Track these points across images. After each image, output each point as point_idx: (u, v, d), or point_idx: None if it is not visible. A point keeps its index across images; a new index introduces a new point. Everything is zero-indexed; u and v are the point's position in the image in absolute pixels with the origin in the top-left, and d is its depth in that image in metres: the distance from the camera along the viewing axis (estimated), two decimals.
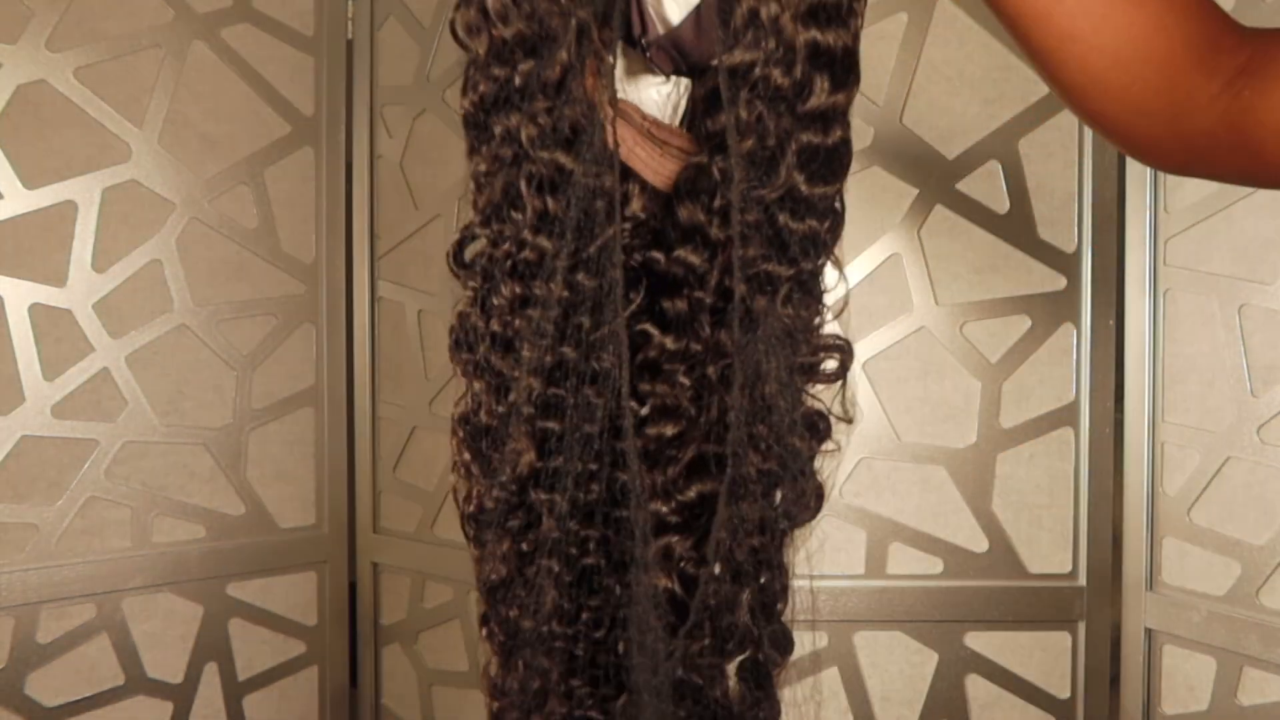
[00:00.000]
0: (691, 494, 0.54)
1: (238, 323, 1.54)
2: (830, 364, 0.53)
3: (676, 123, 0.54)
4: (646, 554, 0.52)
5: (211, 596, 1.53)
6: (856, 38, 0.49)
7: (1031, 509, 1.30)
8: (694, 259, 0.52)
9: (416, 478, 1.61)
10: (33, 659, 1.39)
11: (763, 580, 0.54)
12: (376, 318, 1.64)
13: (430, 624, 1.61)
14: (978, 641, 1.31)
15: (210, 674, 1.54)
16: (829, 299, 0.53)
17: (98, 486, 1.43)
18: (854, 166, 1.38)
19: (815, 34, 0.47)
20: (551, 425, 0.51)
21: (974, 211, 1.28)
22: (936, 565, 1.31)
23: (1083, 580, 1.29)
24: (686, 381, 0.53)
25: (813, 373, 0.53)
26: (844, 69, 0.48)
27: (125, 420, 1.44)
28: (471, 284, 0.54)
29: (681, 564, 0.54)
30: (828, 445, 0.55)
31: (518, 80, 0.49)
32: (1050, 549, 1.30)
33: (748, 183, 0.48)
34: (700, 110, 0.52)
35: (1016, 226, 1.27)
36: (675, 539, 0.54)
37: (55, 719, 1.41)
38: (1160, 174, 1.19)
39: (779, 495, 0.52)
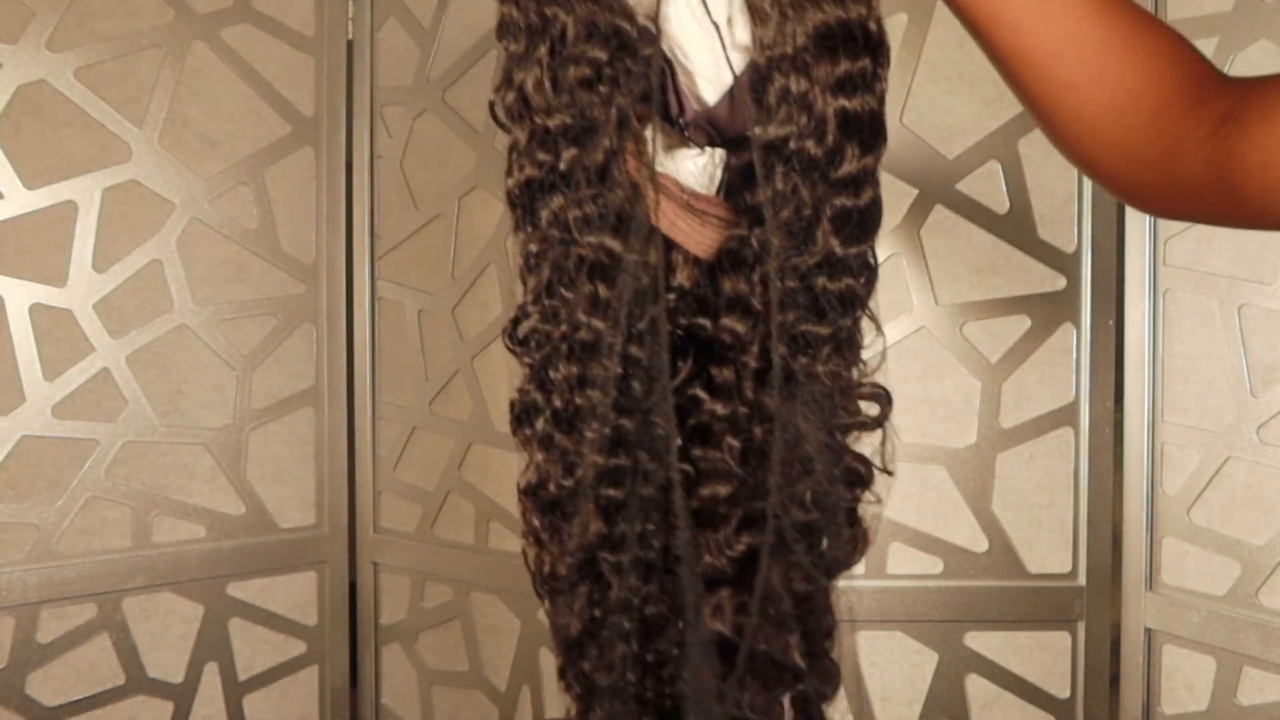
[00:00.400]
0: (742, 548, 0.56)
1: (238, 323, 1.54)
2: (871, 412, 0.56)
3: (714, 191, 0.55)
4: (697, 608, 0.54)
5: (212, 596, 1.53)
6: (882, 100, 0.50)
7: (1031, 509, 1.30)
8: (739, 327, 0.54)
9: (416, 478, 1.61)
10: (33, 659, 1.39)
11: (809, 623, 0.56)
12: (376, 318, 1.64)
13: (430, 624, 1.61)
14: (978, 641, 1.32)
15: (210, 674, 1.54)
16: (867, 351, 0.55)
17: (98, 486, 1.43)
18: None
19: (844, 103, 0.49)
20: (614, 493, 0.53)
21: (974, 211, 1.28)
22: (936, 565, 1.31)
23: (1082, 580, 1.29)
24: (735, 443, 0.55)
25: (853, 424, 0.56)
26: (872, 132, 0.50)
27: (125, 420, 1.44)
28: (528, 361, 0.55)
29: (735, 615, 0.57)
30: (869, 496, 0.57)
31: (562, 166, 0.51)
32: (1050, 549, 1.30)
33: (786, 252, 0.50)
34: (737, 182, 0.54)
35: (1016, 226, 1.27)
36: (728, 592, 0.57)
37: (56, 719, 1.41)
38: None
39: (824, 543, 0.54)
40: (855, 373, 0.55)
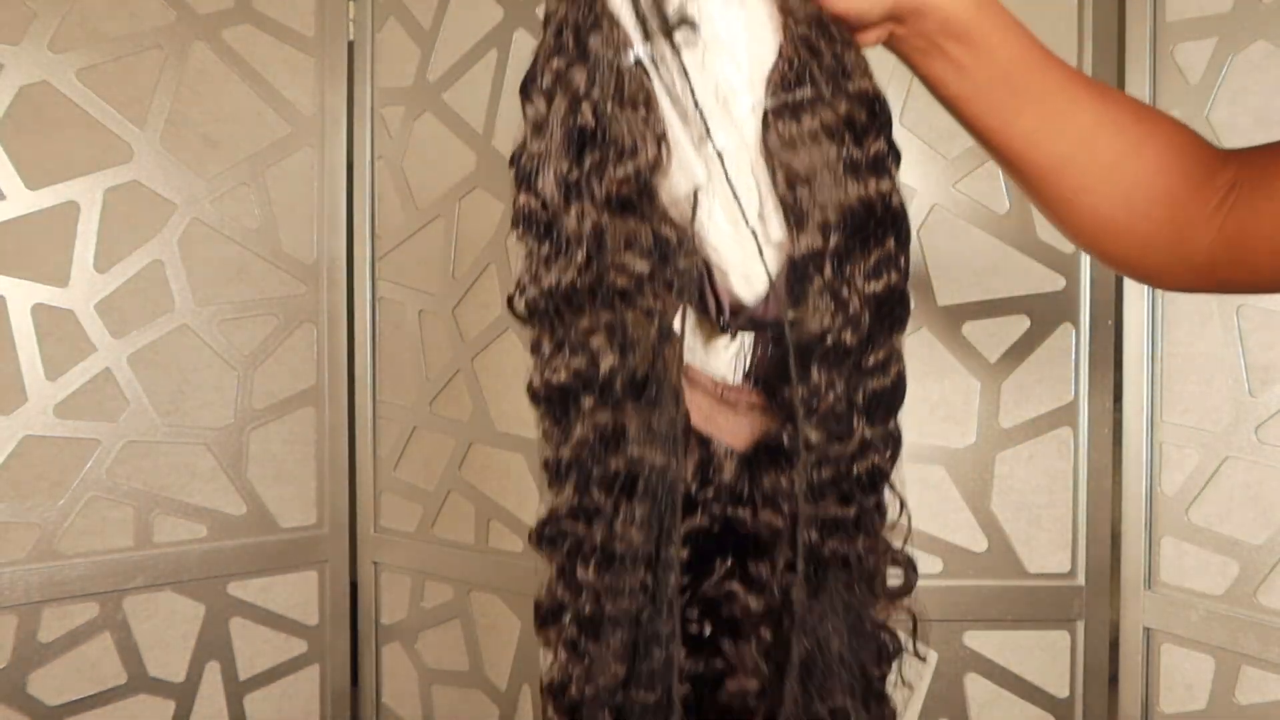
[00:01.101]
0: None
1: (239, 323, 1.54)
2: (895, 581, 0.56)
3: (742, 377, 0.54)
4: None
5: (213, 596, 1.53)
6: (907, 274, 0.51)
7: (1030, 508, 1.30)
8: (778, 521, 0.53)
9: (417, 477, 1.61)
10: (35, 658, 1.39)
11: None
12: (377, 318, 1.65)
13: (430, 623, 1.62)
14: (977, 640, 1.32)
15: (212, 673, 1.54)
16: (891, 521, 0.55)
17: (99, 486, 1.43)
18: None
19: (875, 288, 0.49)
20: (641, 695, 0.52)
21: (974, 211, 1.28)
22: (936, 565, 1.31)
23: (1081, 579, 1.29)
24: (768, 638, 0.54)
25: (883, 599, 0.56)
26: (901, 309, 0.51)
27: (127, 420, 1.45)
28: (555, 561, 0.54)
29: None
30: (894, 676, 0.57)
31: (601, 376, 0.49)
32: (1049, 548, 1.30)
33: (824, 445, 0.50)
34: (773, 376, 0.53)
35: (1016, 226, 1.28)
36: None
37: (57, 718, 1.41)
38: None
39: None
40: (881, 545, 0.54)
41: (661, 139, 0.47)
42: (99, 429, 1.42)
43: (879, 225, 0.49)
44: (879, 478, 0.53)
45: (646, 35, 0.46)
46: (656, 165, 0.47)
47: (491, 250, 1.51)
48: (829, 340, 0.48)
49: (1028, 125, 0.52)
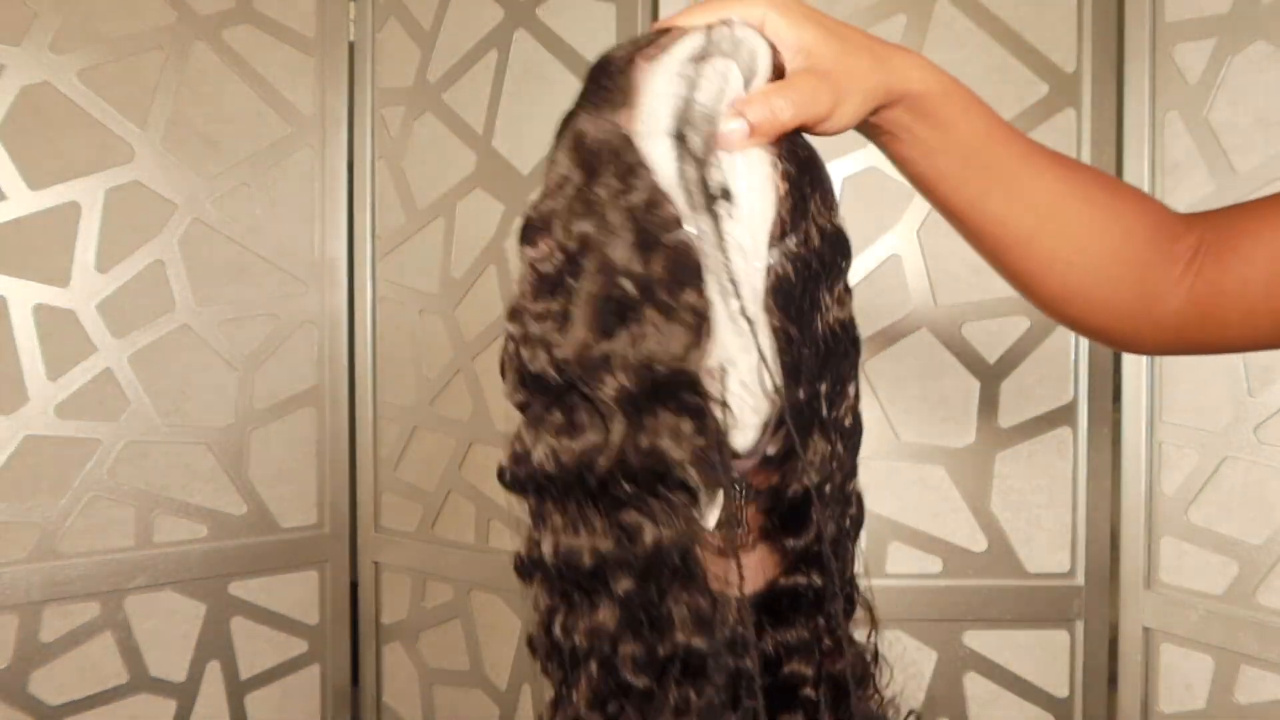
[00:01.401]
0: None
1: (239, 323, 1.55)
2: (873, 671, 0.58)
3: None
4: None
5: (214, 595, 1.54)
6: (859, 397, 0.53)
7: (1030, 508, 1.30)
8: (808, 669, 0.54)
9: (417, 477, 1.61)
10: (36, 658, 1.39)
11: None
12: (377, 318, 1.65)
13: (431, 623, 1.62)
14: (976, 640, 1.32)
15: (213, 672, 1.55)
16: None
17: (101, 486, 1.43)
18: (854, 167, 1.37)
19: (849, 422, 0.51)
20: None
21: None
22: (935, 564, 1.31)
23: (1081, 579, 1.29)
24: None
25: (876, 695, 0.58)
26: (860, 433, 0.53)
27: (128, 420, 1.45)
28: None
29: None
30: None
31: (641, 559, 0.45)
32: (1048, 548, 1.30)
33: (841, 581, 0.52)
34: (777, 526, 0.52)
35: None
36: None
37: (59, 717, 1.41)
38: (1158, 172, 1.20)
39: None
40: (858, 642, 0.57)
41: (704, 317, 0.44)
42: (100, 429, 1.43)
43: (850, 363, 0.50)
44: (857, 587, 0.56)
45: (693, 208, 0.44)
46: (699, 343, 0.43)
47: (491, 251, 1.51)
48: (827, 488, 0.50)
49: (996, 201, 0.54)
